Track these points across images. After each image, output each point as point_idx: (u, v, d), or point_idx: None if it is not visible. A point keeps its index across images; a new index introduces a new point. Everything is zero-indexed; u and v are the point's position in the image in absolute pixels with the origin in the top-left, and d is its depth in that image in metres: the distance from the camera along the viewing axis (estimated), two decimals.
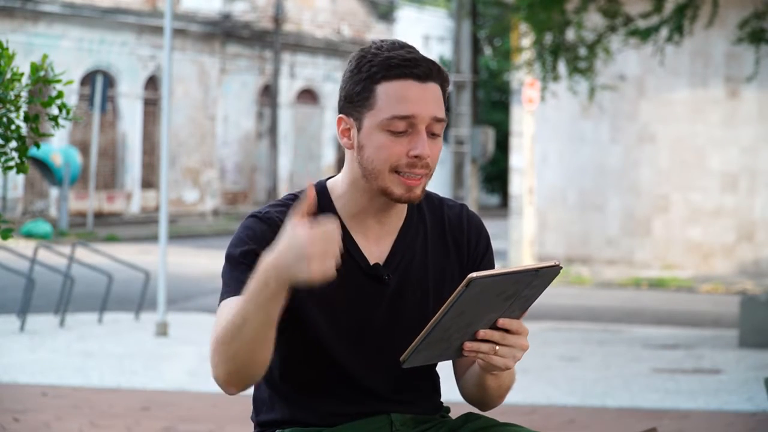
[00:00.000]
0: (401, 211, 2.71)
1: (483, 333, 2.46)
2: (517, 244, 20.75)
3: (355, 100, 2.60)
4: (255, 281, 2.40)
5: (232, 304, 2.50)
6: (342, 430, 2.65)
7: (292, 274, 2.35)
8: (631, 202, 20.45)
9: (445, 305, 2.38)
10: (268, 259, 2.38)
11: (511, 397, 9.16)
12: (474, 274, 2.34)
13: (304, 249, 2.33)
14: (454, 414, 2.81)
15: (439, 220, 2.75)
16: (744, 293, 16.82)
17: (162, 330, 11.14)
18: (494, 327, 2.47)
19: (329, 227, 2.35)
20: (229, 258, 2.61)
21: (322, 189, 2.70)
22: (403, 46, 2.61)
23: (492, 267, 2.76)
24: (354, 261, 2.65)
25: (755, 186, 19.84)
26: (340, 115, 2.64)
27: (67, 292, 11.92)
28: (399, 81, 2.57)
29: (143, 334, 11.37)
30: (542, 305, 14.98)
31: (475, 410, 2.78)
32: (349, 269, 2.64)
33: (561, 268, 2.45)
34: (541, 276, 2.42)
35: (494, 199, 42.88)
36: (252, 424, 2.77)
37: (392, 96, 2.57)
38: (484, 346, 2.47)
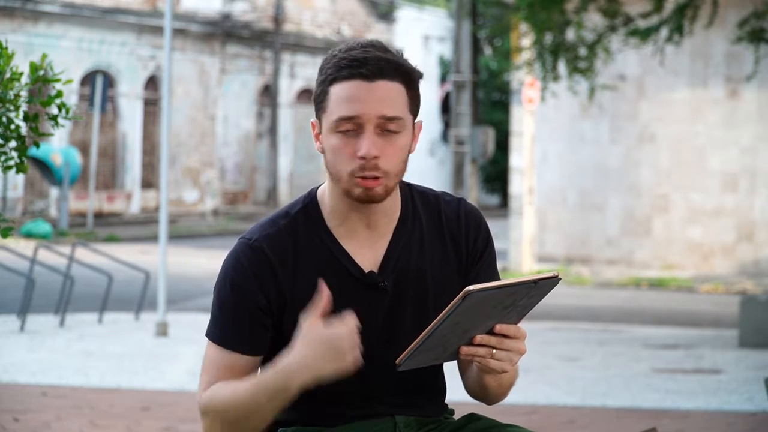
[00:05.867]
0: (392, 212, 2.68)
1: (480, 338, 2.46)
2: (517, 244, 20.74)
3: (317, 103, 2.62)
4: (272, 380, 2.49)
5: (224, 358, 2.61)
6: (346, 431, 2.65)
7: (319, 373, 2.46)
8: (631, 202, 20.45)
9: (440, 316, 2.37)
10: (290, 365, 2.47)
11: (511, 397, 9.13)
12: (470, 288, 2.33)
13: (339, 348, 2.44)
14: (457, 415, 2.80)
15: (435, 217, 2.72)
16: (744, 293, 16.82)
17: (162, 330, 11.13)
18: (491, 332, 2.47)
19: (348, 320, 2.46)
20: (218, 291, 2.68)
21: (312, 200, 2.70)
22: (365, 45, 2.59)
23: (493, 261, 2.74)
24: (347, 271, 2.64)
25: (755, 186, 19.84)
26: (312, 120, 2.66)
27: (67, 292, 11.92)
28: (347, 82, 2.55)
29: (143, 334, 11.37)
30: (542, 305, 14.94)
31: (477, 411, 2.78)
32: (344, 280, 2.63)
33: (560, 279, 2.43)
34: (540, 287, 2.41)
35: (494, 199, 42.87)
36: None
37: (340, 97, 2.56)
38: (481, 350, 2.46)
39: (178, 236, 25.18)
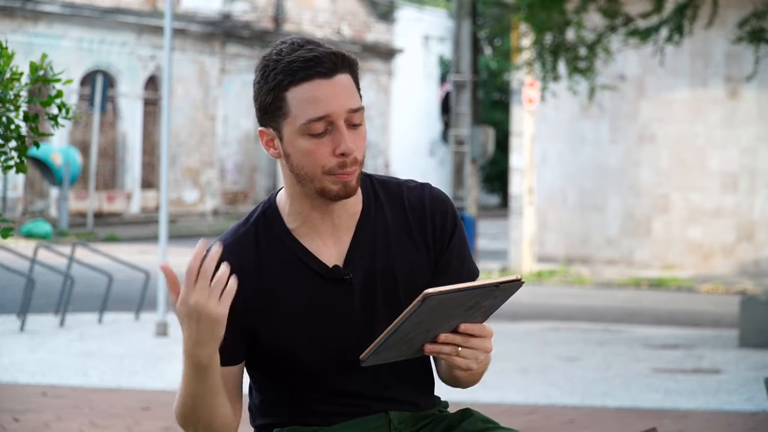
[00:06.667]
0: (353, 206, 2.66)
1: (444, 337, 2.46)
2: (517, 244, 20.75)
3: (269, 111, 2.57)
4: (186, 364, 2.51)
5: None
6: (341, 429, 2.65)
7: (207, 336, 2.43)
8: (631, 202, 20.45)
9: (401, 316, 2.37)
10: (185, 346, 2.47)
11: (511, 397, 9.10)
12: (429, 291, 2.33)
13: (191, 310, 2.40)
14: (452, 409, 2.80)
15: (398, 205, 2.70)
16: (744, 293, 16.82)
17: (162, 330, 11.14)
18: (456, 331, 2.47)
19: (188, 272, 2.39)
20: None
21: (271, 203, 2.68)
22: (303, 44, 2.56)
23: (463, 247, 2.72)
24: (311, 270, 2.63)
25: (755, 186, 19.84)
26: (260, 128, 2.62)
27: (67, 292, 11.92)
28: (306, 83, 2.53)
29: (143, 334, 11.37)
30: (542, 305, 15.01)
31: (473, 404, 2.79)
32: (309, 279, 2.62)
33: (523, 282, 2.43)
34: (503, 290, 2.41)
35: (494, 199, 42.88)
36: (251, 430, 2.77)
37: (303, 100, 2.53)
38: (446, 348, 2.46)
39: (178, 236, 25.18)
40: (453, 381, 2.70)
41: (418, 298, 2.33)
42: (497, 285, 2.38)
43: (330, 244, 2.65)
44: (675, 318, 14.86)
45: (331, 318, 2.62)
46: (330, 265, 2.63)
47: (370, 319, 2.63)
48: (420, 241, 2.69)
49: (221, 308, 2.39)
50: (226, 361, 2.58)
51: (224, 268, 2.39)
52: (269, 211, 2.67)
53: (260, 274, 2.62)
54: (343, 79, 2.56)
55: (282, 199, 2.67)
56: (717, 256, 20.01)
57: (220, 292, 2.39)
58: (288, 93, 2.54)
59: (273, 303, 2.58)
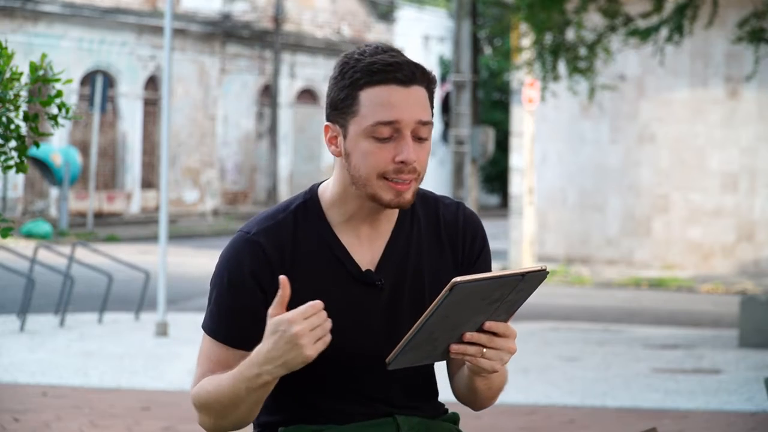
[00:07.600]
0: (393, 213, 2.68)
1: (469, 336, 2.46)
2: (517, 244, 20.74)
3: (339, 107, 2.59)
4: (248, 369, 2.49)
5: (217, 351, 2.62)
6: (348, 430, 2.65)
7: (285, 363, 2.45)
8: (631, 202, 20.45)
9: (429, 309, 2.38)
10: (257, 358, 2.47)
11: (511, 397, 9.10)
12: (457, 279, 2.34)
13: (290, 334, 2.41)
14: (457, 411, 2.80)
15: (433, 219, 2.74)
16: (744, 293, 16.82)
17: (162, 330, 11.14)
18: (481, 330, 2.47)
19: (312, 304, 2.42)
20: (215, 286, 2.67)
21: (313, 195, 2.69)
22: (387, 50, 2.59)
23: (488, 265, 2.76)
24: (345, 269, 2.64)
25: (755, 186, 19.84)
26: (327, 123, 2.63)
27: (67, 292, 11.92)
28: (382, 86, 2.55)
29: (143, 334, 11.37)
30: (542, 305, 15.00)
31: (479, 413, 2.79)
32: (341, 278, 2.63)
33: (548, 273, 2.44)
34: (527, 281, 2.42)
35: (494, 199, 42.87)
36: (252, 425, 2.77)
37: (375, 102, 2.55)
38: (471, 349, 2.47)
39: (178, 236, 25.17)
40: (470, 396, 2.71)
41: (446, 287, 2.35)
42: (522, 275, 2.40)
43: (365, 246, 2.67)
44: (675, 318, 14.86)
45: (353, 319, 2.62)
46: (363, 267, 2.65)
47: (393, 325, 2.64)
48: (449, 255, 2.73)
49: (312, 350, 2.42)
50: (249, 346, 2.55)
51: (330, 321, 2.44)
52: (310, 202, 2.68)
53: (294, 262, 2.62)
54: (419, 91, 2.58)
55: (326, 194, 2.67)
56: (717, 256, 20.02)
57: (319, 337, 2.42)
58: (362, 92, 2.56)
59: (298, 294, 2.56)
